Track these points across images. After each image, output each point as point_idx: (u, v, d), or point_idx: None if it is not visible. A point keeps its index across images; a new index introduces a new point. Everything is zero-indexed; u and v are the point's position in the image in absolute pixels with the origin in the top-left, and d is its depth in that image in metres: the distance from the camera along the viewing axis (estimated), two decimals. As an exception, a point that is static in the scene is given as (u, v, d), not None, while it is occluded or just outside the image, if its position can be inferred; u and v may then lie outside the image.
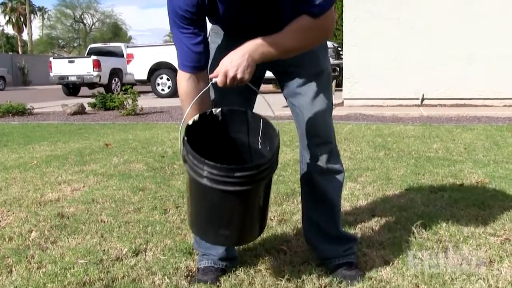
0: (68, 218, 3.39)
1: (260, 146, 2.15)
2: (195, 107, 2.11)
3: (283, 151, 5.62)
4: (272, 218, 3.27)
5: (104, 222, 3.30)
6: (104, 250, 2.76)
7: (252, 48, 1.98)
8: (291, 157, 5.23)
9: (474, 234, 2.88)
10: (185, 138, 1.92)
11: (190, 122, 1.99)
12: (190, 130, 1.99)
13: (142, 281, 2.37)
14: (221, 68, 1.98)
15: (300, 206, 2.54)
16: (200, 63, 2.12)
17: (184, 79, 2.14)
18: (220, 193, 1.88)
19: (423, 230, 2.95)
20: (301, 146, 2.44)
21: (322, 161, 2.35)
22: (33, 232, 3.10)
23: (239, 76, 1.95)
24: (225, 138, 2.18)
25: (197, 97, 2.07)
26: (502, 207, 3.40)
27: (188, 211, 2.13)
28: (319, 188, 2.40)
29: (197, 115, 2.02)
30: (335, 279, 2.33)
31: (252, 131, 2.15)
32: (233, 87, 2.00)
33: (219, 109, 2.08)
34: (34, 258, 2.68)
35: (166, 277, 2.40)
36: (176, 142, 6.63)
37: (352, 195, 3.81)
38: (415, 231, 2.93)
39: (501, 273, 2.38)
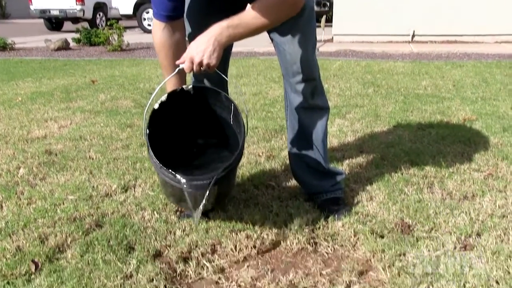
0: (56, 155, 3.38)
1: (232, 123, 2.14)
2: (171, 59, 2.08)
3: (272, 88, 5.60)
4: (260, 154, 3.28)
5: (93, 158, 3.30)
6: (93, 187, 2.78)
7: (218, 31, 1.89)
8: (279, 93, 5.21)
9: (459, 170, 2.92)
10: (147, 140, 1.92)
11: (156, 106, 1.95)
12: (157, 114, 1.97)
13: (132, 217, 2.40)
14: (187, 54, 1.92)
15: (287, 142, 2.55)
16: (175, 12, 2.06)
17: (159, 28, 2.09)
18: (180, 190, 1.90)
19: (410, 166, 2.99)
20: (285, 83, 2.43)
21: (306, 97, 2.35)
22: (21, 169, 3.10)
23: (205, 61, 1.88)
24: (197, 111, 2.17)
25: (171, 76, 2.05)
26: (487, 143, 3.44)
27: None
28: (303, 124, 2.41)
29: (165, 95, 1.98)
30: (322, 213, 2.37)
31: (226, 109, 2.13)
32: (201, 73, 1.96)
33: (191, 86, 2.04)
34: (23, 194, 2.69)
35: (155, 212, 2.43)
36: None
37: (341, 131, 3.83)
38: (401, 167, 2.96)
39: (483, 206, 2.43)
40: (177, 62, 1.96)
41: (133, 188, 2.76)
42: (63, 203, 2.55)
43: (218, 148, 2.29)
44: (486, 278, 1.82)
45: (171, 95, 1.99)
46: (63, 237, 2.17)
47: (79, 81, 6.40)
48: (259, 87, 5.67)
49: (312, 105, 2.37)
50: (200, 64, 1.89)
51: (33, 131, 3.99)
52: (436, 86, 5.58)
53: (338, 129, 3.88)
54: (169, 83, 2.13)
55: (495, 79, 5.94)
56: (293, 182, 2.72)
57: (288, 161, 2.61)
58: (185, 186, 1.85)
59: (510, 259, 1.95)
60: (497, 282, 1.81)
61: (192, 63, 1.90)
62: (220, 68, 2.12)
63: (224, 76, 2.15)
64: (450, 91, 5.30)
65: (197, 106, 2.12)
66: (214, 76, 2.12)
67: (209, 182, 1.84)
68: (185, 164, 2.15)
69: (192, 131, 2.24)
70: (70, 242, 2.15)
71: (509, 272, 1.86)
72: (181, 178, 1.85)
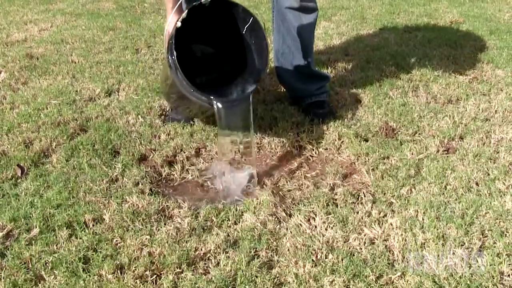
0: (38, 58, 3.31)
1: (246, 38, 2.07)
2: None
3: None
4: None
5: (75, 62, 3.24)
6: (76, 91, 2.74)
7: None
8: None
9: (444, 73, 2.91)
10: (174, 54, 1.82)
11: (179, 24, 1.84)
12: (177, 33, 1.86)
13: (116, 121, 2.38)
14: None
15: (273, 44, 2.51)
16: None
17: None
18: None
19: (395, 70, 2.97)
20: None
21: None
22: (1, 73, 3.03)
23: None
24: (214, 27, 2.08)
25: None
26: (474, 46, 3.41)
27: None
28: (291, 26, 2.35)
29: (186, 12, 1.87)
30: (307, 117, 2.37)
31: (241, 23, 2.05)
32: None
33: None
34: (5, 99, 2.65)
35: (139, 116, 2.42)
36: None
37: (326, 34, 3.77)
38: (387, 70, 2.95)
39: (466, 110, 2.44)
40: None
41: (116, 92, 2.73)
42: (47, 108, 2.52)
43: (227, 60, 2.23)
44: (467, 180, 1.85)
45: (190, 10, 1.90)
46: (48, 142, 2.17)
47: (58, -18, 6.17)
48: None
49: (302, 7, 2.31)
50: None
51: (12, 34, 3.88)
52: (425, -13, 5.45)
53: (324, 32, 3.82)
54: None
55: (486, -20, 5.81)
56: (278, 86, 2.70)
57: (273, 64, 2.58)
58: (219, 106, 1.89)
59: (491, 161, 1.99)
60: (476, 184, 1.85)
61: None
62: None
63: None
64: (439, -7, 5.19)
65: (212, 20, 2.04)
66: None
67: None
68: (199, 73, 2.09)
69: (204, 43, 2.18)
70: (55, 147, 2.14)
71: (488, 174, 1.90)
72: (216, 102, 1.88)
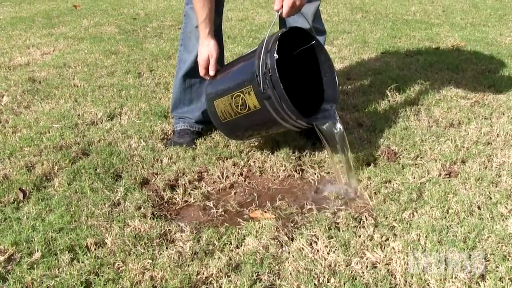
0: (40, 82, 3.33)
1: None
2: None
3: (258, 13, 5.49)
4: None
5: (77, 86, 3.26)
6: (78, 115, 2.75)
7: None
8: (266, 19, 5.13)
9: (446, 97, 2.92)
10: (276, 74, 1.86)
11: (276, 56, 1.87)
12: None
13: (118, 144, 2.39)
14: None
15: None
16: None
17: None
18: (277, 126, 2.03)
19: (397, 93, 2.98)
20: None
21: (309, 19, 2.28)
22: (4, 97, 3.05)
23: (304, 2, 1.90)
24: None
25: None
26: (475, 70, 3.43)
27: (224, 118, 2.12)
28: None
29: (276, 42, 1.90)
30: (309, 141, 2.38)
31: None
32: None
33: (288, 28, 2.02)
34: (8, 122, 2.67)
35: (141, 140, 2.42)
36: (149, 4, 6.41)
37: (328, 58, 3.79)
38: (388, 94, 2.96)
39: (468, 133, 2.45)
40: (275, 9, 1.92)
41: (119, 116, 2.74)
42: (49, 132, 2.53)
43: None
44: (469, 204, 1.85)
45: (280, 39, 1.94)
46: (50, 166, 2.17)
47: (61, 6, 6.24)
48: (246, 13, 5.56)
49: (313, 28, 2.33)
50: (300, 6, 1.89)
51: (15, 58, 3.91)
52: (425, 12, 5.50)
53: (326, 56, 3.84)
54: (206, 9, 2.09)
55: (486, 4, 5.87)
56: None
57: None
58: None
59: (493, 185, 1.99)
60: (479, 208, 1.84)
61: (293, 7, 1.88)
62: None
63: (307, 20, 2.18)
64: (439, 17, 5.23)
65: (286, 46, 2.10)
66: None
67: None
68: None
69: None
70: (57, 171, 2.15)
71: (490, 198, 1.90)
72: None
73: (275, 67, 1.84)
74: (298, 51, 2.15)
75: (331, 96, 2.15)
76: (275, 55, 1.85)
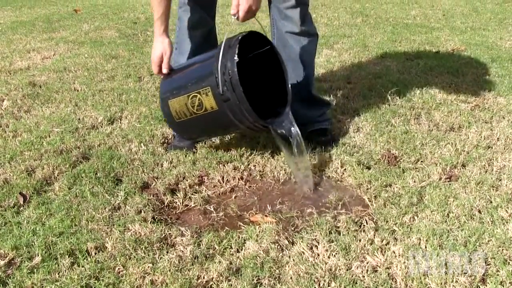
0: (40, 86, 3.34)
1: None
2: None
3: (259, 17, 5.49)
4: (247, 85, 3.26)
5: (78, 90, 3.26)
6: (79, 119, 2.75)
7: None
8: (266, 23, 5.12)
9: (446, 101, 2.92)
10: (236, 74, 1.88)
11: (237, 58, 1.89)
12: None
13: (119, 149, 2.39)
14: (243, 4, 1.88)
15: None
16: None
17: None
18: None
19: (397, 97, 2.98)
20: (273, 10, 2.40)
21: (296, 23, 2.32)
22: (5, 101, 3.05)
23: (259, 6, 1.90)
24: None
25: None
26: (476, 74, 3.43)
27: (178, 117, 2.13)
28: (292, 51, 2.38)
29: (237, 46, 1.93)
30: (309, 144, 2.38)
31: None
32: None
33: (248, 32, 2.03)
34: (8, 127, 2.67)
35: (142, 144, 2.42)
36: (149, 8, 6.42)
37: (328, 62, 3.80)
38: (389, 98, 2.96)
39: (468, 137, 2.45)
40: (231, 13, 1.93)
41: (119, 120, 2.74)
42: (49, 136, 2.53)
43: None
44: (469, 208, 1.85)
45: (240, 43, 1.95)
46: (50, 170, 2.17)
47: (61, 11, 6.25)
48: (246, 17, 5.57)
49: (302, 31, 2.34)
50: (256, 11, 1.90)
51: (15, 63, 3.91)
52: (426, 16, 5.51)
53: (326, 60, 3.85)
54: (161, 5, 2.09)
55: (486, 8, 5.88)
56: (280, 114, 2.71)
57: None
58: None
59: (493, 189, 1.98)
60: (479, 211, 1.84)
61: (249, 12, 1.89)
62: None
63: (259, 22, 2.22)
64: (439, 21, 5.24)
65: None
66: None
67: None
68: None
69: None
70: (58, 175, 2.15)
71: (491, 202, 1.90)
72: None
73: (235, 69, 1.86)
74: (252, 54, 2.16)
75: (286, 100, 2.16)
76: (236, 57, 1.87)
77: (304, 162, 2.09)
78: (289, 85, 2.15)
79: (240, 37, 1.95)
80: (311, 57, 2.43)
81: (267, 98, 2.24)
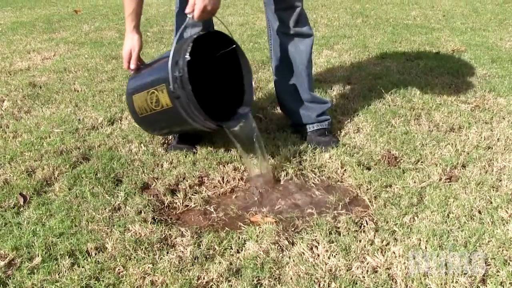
0: (41, 87, 3.34)
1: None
2: None
3: (259, 18, 5.50)
4: (247, 86, 3.26)
5: (78, 91, 3.26)
6: (79, 119, 2.75)
7: None
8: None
9: (446, 102, 2.92)
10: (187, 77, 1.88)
11: (188, 57, 1.89)
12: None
13: (119, 149, 2.39)
14: (198, 2, 1.86)
15: (272, 71, 2.53)
16: None
17: None
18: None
19: (397, 98, 2.98)
20: (267, 11, 2.41)
21: (288, 25, 2.33)
22: (5, 101, 3.06)
23: (216, 6, 1.88)
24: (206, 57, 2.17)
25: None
26: (476, 75, 3.43)
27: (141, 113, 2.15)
28: (286, 52, 2.39)
29: (191, 45, 1.92)
30: (309, 145, 2.38)
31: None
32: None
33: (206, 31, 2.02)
34: (8, 127, 2.67)
35: (142, 145, 2.42)
36: (149, 9, 6.43)
37: (328, 62, 3.80)
38: (389, 98, 2.96)
39: (468, 138, 2.45)
40: (186, 12, 1.92)
41: (119, 121, 2.74)
42: (49, 136, 2.53)
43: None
44: (469, 208, 1.85)
45: (194, 42, 1.95)
46: (51, 170, 2.17)
47: (62, 11, 6.25)
48: (246, 17, 5.57)
49: (295, 33, 2.35)
50: (212, 11, 1.88)
51: (15, 63, 3.92)
52: (426, 16, 5.51)
53: (326, 60, 3.85)
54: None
55: (486, 8, 5.88)
56: (280, 114, 2.71)
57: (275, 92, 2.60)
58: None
59: (493, 190, 1.98)
60: (479, 212, 1.84)
61: (204, 11, 1.87)
62: None
63: (221, 21, 2.17)
64: (439, 22, 5.24)
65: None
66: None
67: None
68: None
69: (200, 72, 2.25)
70: (58, 175, 2.15)
71: (491, 202, 1.90)
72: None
73: (186, 68, 1.87)
74: (219, 54, 2.17)
75: (247, 101, 2.17)
76: (187, 56, 1.88)
77: (265, 162, 2.12)
78: (251, 87, 2.15)
79: (195, 36, 1.95)
80: (306, 58, 2.42)
81: (228, 98, 2.24)
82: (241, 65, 2.15)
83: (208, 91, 2.17)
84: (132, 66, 2.14)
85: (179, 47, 1.94)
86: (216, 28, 2.22)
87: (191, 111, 1.92)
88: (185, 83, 1.87)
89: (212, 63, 2.21)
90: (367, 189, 2.02)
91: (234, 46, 2.11)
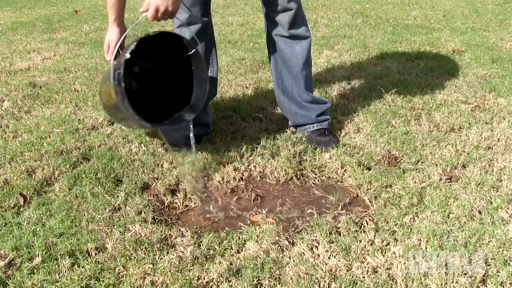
0: (41, 87, 3.34)
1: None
2: None
3: (259, 18, 5.50)
4: (247, 86, 3.26)
5: (78, 91, 3.26)
6: (79, 119, 2.75)
7: None
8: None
9: (446, 102, 2.92)
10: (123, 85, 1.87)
11: (128, 56, 1.89)
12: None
13: (119, 149, 2.39)
14: (152, 2, 1.86)
15: (271, 72, 2.53)
16: None
17: None
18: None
19: (398, 98, 2.98)
20: (264, 14, 2.40)
21: (284, 27, 2.34)
22: (5, 101, 3.05)
23: (170, 8, 1.87)
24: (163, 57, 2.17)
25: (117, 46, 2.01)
26: (476, 75, 3.43)
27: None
28: (283, 53, 2.39)
29: (135, 44, 1.90)
30: (309, 145, 2.38)
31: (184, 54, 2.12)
32: (163, 20, 1.93)
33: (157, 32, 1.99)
34: (8, 127, 2.67)
35: (142, 145, 2.42)
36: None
37: (328, 62, 3.80)
38: (389, 99, 2.96)
39: (469, 138, 2.45)
40: (141, 10, 1.92)
41: (119, 121, 2.74)
42: (49, 136, 2.53)
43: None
44: (469, 209, 1.85)
45: (140, 42, 1.94)
46: (51, 170, 2.17)
47: (62, 11, 6.25)
48: (246, 18, 5.57)
49: (291, 35, 2.35)
50: (165, 12, 1.87)
51: (15, 63, 3.91)
52: (426, 17, 5.51)
53: (326, 60, 3.85)
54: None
55: (486, 9, 5.88)
56: (280, 114, 2.71)
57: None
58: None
59: (493, 190, 1.98)
60: (479, 212, 1.84)
61: (157, 11, 1.87)
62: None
63: (182, 21, 2.23)
64: (440, 22, 5.24)
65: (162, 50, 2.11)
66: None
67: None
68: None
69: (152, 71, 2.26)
70: (58, 175, 2.15)
71: (491, 202, 1.90)
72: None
73: (122, 65, 1.86)
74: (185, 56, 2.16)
75: (195, 107, 2.13)
76: (127, 55, 1.87)
77: (195, 166, 2.17)
78: (204, 94, 2.10)
79: (142, 36, 1.93)
80: (302, 60, 2.42)
81: (182, 100, 2.21)
82: (196, 70, 2.12)
83: (166, 91, 2.18)
84: (108, 57, 2.16)
85: (129, 45, 1.94)
86: (217, 28, 2.21)
87: (125, 108, 1.92)
88: (120, 80, 1.87)
89: (181, 64, 2.19)
90: (367, 189, 2.02)
91: (194, 51, 2.07)
